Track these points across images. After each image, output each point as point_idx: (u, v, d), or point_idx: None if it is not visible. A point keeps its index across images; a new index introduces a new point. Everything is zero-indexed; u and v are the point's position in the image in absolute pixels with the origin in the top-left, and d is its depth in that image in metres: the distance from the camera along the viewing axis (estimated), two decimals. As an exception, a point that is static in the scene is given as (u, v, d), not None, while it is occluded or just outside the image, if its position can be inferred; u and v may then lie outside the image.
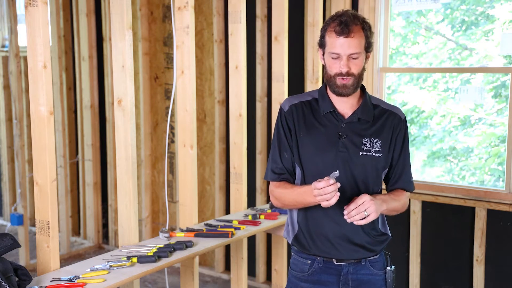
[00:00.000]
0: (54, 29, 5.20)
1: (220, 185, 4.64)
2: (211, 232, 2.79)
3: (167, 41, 4.86)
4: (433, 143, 4.12)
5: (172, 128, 4.75)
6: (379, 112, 2.11)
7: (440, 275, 3.73)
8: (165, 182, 3.28)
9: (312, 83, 3.68)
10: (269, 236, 4.31)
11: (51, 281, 2.20)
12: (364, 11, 3.82)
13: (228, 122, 4.09)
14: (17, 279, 2.08)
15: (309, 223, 2.10)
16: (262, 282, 4.44)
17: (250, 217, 3.02)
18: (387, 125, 2.09)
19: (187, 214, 2.98)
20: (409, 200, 3.74)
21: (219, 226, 2.89)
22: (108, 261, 2.38)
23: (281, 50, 3.37)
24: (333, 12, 3.90)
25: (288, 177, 2.13)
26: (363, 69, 2.05)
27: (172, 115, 4.58)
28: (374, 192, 2.08)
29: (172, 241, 2.69)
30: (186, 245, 2.58)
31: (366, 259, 2.11)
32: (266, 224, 2.99)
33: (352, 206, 1.91)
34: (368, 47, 2.03)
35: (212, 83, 4.65)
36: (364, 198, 1.91)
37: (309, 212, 2.09)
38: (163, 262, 2.43)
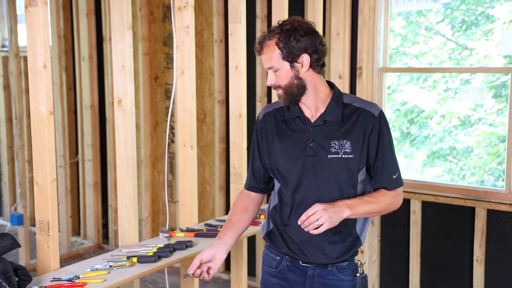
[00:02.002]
0: (54, 29, 5.20)
1: (220, 185, 4.64)
2: (211, 232, 2.79)
3: (167, 41, 4.86)
4: (433, 143, 4.12)
5: (172, 128, 4.75)
6: (349, 111, 2.06)
7: (440, 275, 3.73)
8: (165, 182, 3.28)
9: (312, 83, 3.68)
10: (269, 236, 4.31)
11: (51, 281, 2.20)
12: (364, 11, 3.82)
13: (228, 122, 4.09)
14: (17, 279, 2.08)
15: (281, 223, 2.13)
16: (262, 282, 4.44)
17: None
18: (358, 124, 2.03)
19: (187, 214, 2.98)
20: (409, 199, 3.75)
21: (219, 226, 2.89)
22: (108, 261, 2.38)
23: (281, 50, 3.36)
24: (333, 12, 3.92)
25: (254, 186, 2.24)
26: (296, 79, 2.02)
27: (172, 115, 4.58)
28: (350, 193, 2.04)
29: (172, 241, 2.69)
30: (186, 245, 2.58)
31: (333, 265, 2.10)
32: (266, 224, 2.99)
33: (303, 217, 1.91)
34: (288, 56, 1.99)
35: (212, 83, 4.65)
36: (315, 208, 1.89)
37: (282, 213, 2.12)
38: (163, 262, 2.43)
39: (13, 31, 4.70)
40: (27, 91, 5.31)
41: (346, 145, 2.02)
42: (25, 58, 5.22)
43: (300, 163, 2.05)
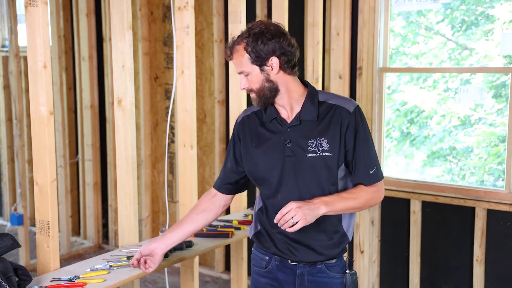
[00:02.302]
0: (54, 29, 5.20)
1: (220, 185, 4.64)
2: (211, 232, 2.78)
3: (167, 41, 4.86)
4: (433, 143, 4.12)
5: (172, 128, 4.75)
6: (325, 109, 2.07)
7: (440, 275, 3.73)
8: (165, 182, 3.28)
9: (312, 83, 3.67)
10: (269, 236, 4.31)
11: (51, 281, 2.20)
12: (364, 11, 3.82)
13: (228, 122, 4.09)
14: (17, 279, 2.08)
15: (268, 224, 2.14)
16: (262, 282, 4.44)
17: (250, 217, 3.02)
18: (333, 121, 2.04)
19: (187, 214, 2.98)
20: (409, 199, 3.75)
21: (219, 226, 2.89)
22: (108, 261, 2.38)
23: (281, 50, 3.36)
24: (333, 12, 3.92)
25: (227, 187, 2.27)
26: (267, 82, 2.03)
27: (172, 115, 4.58)
28: (331, 191, 2.06)
29: (172, 241, 2.68)
30: (186, 245, 2.58)
31: (321, 263, 2.12)
32: (266, 224, 2.99)
33: (278, 215, 1.93)
34: (257, 60, 2.01)
35: (212, 83, 4.65)
36: (289, 207, 1.91)
37: (269, 215, 2.13)
38: (163, 262, 2.43)
39: (13, 31, 4.70)
40: (27, 91, 5.31)
41: (323, 143, 2.04)
42: (25, 58, 5.22)
43: (280, 164, 2.07)
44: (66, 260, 5.02)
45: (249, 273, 3.55)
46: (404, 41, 4.12)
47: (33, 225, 5.41)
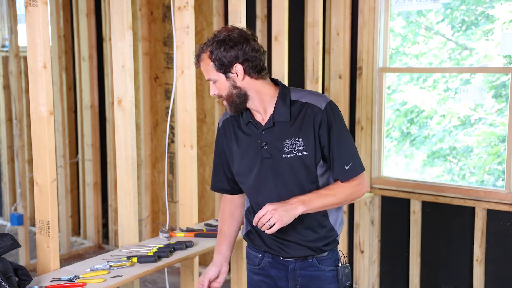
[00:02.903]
0: (54, 29, 5.20)
1: (220, 185, 4.64)
2: (211, 232, 2.78)
3: (167, 41, 4.86)
4: (433, 143, 4.12)
5: (172, 128, 4.75)
6: (297, 108, 2.07)
7: (440, 275, 3.73)
8: (165, 182, 3.28)
9: (312, 83, 3.68)
10: (269, 236, 4.31)
11: (51, 281, 2.20)
12: (364, 11, 3.82)
13: (228, 122, 4.09)
14: (17, 279, 2.08)
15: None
16: (262, 282, 4.44)
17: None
18: (306, 119, 2.05)
19: (187, 214, 2.98)
20: (409, 199, 3.74)
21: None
22: (108, 261, 2.38)
23: (281, 50, 3.37)
24: (333, 12, 3.92)
25: (223, 187, 2.28)
26: (234, 88, 2.04)
27: (172, 115, 4.58)
28: (311, 189, 2.06)
29: (172, 241, 2.69)
30: (186, 245, 2.58)
31: (312, 257, 2.14)
32: (266, 224, 2.99)
33: (255, 219, 1.97)
34: (221, 68, 2.02)
35: (212, 83, 4.65)
36: (265, 209, 1.95)
37: (255, 213, 2.13)
38: (163, 262, 2.43)
39: (13, 31, 4.70)
40: (27, 91, 5.31)
41: (298, 142, 2.05)
42: (25, 58, 5.22)
43: (258, 166, 2.10)
44: (66, 260, 5.02)
45: (249, 273, 3.56)
46: (404, 41, 4.12)
47: (33, 225, 5.41)
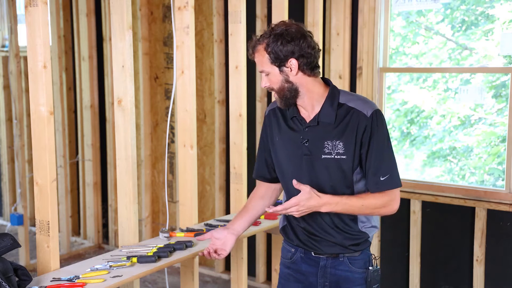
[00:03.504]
0: (54, 29, 5.20)
1: (220, 185, 4.64)
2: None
3: (167, 41, 4.86)
4: (433, 143, 4.12)
5: (172, 128, 4.75)
6: (344, 112, 2.09)
7: (440, 275, 3.73)
8: (165, 182, 3.28)
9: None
10: (269, 236, 4.31)
11: (51, 281, 2.20)
12: (364, 11, 3.82)
13: (228, 122, 4.09)
14: (17, 279, 2.08)
15: (291, 217, 2.22)
16: (262, 282, 4.44)
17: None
18: (350, 124, 2.07)
19: (187, 214, 2.98)
20: (409, 199, 3.74)
21: (219, 226, 2.89)
22: (108, 261, 2.38)
23: (281, 50, 3.36)
24: (333, 12, 3.92)
25: (264, 175, 2.34)
26: (287, 82, 2.07)
27: (172, 115, 4.58)
28: (344, 193, 2.10)
29: (172, 241, 2.69)
30: (186, 245, 2.58)
31: (344, 256, 2.17)
32: (266, 224, 2.99)
33: (280, 207, 2.04)
34: (276, 61, 2.05)
35: (212, 83, 4.65)
36: (291, 204, 2.01)
37: None
38: (163, 262, 2.43)
39: (13, 31, 4.70)
40: (27, 91, 5.31)
41: (339, 145, 2.07)
42: (25, 58, 5.22)
43: (297, 161, 2.14)
44: (66, 260, 5.02)
45: (249, 273, 3.56)
46: (404, 41, 4.12)
47: (33, 225, 5.41)
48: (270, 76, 2.09)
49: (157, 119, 5.05)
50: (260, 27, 4.29)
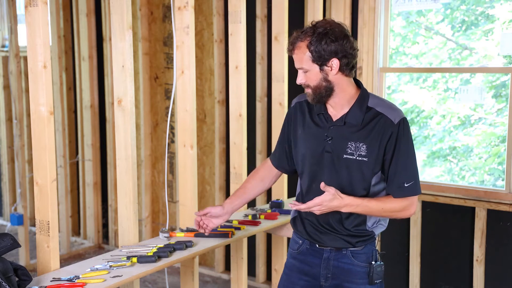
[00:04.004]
0: (54, 29, 5.20)
1: (220, 185, 4.64)
2: (211, 232, 2.78)
3: (167, 41, 4.86)
4: (433, 143, 4.12)
5: (172, 128, 4.75)
6: (371, 116, 2.12)
7: (440, 275, 3.73)
8: (165, 182, 3.28)
9: (312, 83, 3.67)
10: (269, 236, 4.31)
11: (51, 281, 2.20)
12: (364, 11, 3.82)
13: (228, 122, 4.09)
14: (17, 279, 2.08)
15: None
16: (262, 282, 4.44)
17: (250, 217, 3.02)
18: (376, 129, 2.10)
19: (187, 214, 2.98)
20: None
21: (219, 226, 2.89)
22: (108, 261, 2.38)
23: (281, 50, 3.37)
24: (333, 12, 3.92)
25: (283, 166, 2.41)
26: (325, 81, 2.09)
27: (172, 115, 4.58)
28: (361, 194, 2.14)
29: (172, 241, 2.68)
30: (186, 245, 2.58)
31: (347, 249, 2.21)
32: (266, 224, 2.99)
33: (304, 206, 2.09)
34: (318, 60, 2.06)
35: (212, 83, 4.65)
36: (315, 203, 2.07)
37: (304, 200, 2.23)
38: (163, 262, 2.43)
39: (13, 31, 4.69)
40: (27, 91, 5.31)
41: (362, 148, 2.10)
42: (25, 58, 5.22)
43: (318, 157, 2.17)
44: (66, 260, 5.02)
45: (249, 273, 3.56)
46: (404, 41, 4.12)
47: (33, 225, 5.41)
48: (308, 74, 2.10)
49: (157, 119, 5.05)
50: (260, 27, 4.29)
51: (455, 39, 3.92)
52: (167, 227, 2.89)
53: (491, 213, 3.50)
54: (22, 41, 4.78)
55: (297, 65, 2.12)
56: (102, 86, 5.29)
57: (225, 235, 2.74)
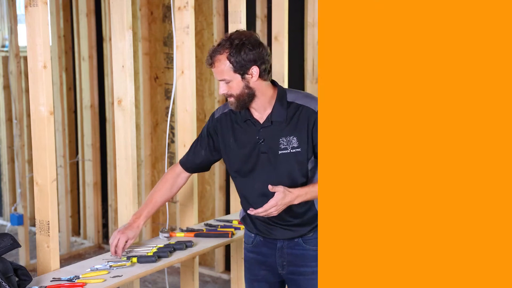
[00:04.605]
0: (54, 29, 5.20)
1: (220, 185, 4.64)
2: (211, 232, 2.79)
3: (167, 41, 4.86)
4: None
5: (172, 128, 4.75)
6: (293, 109, 2.26)
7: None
8: (165, 182, 3.27)
9: (312, 83, 3.68)
10: (269, 236, 4.31)
11: (51, 281, 2.20)
12: (364, 11, 3.82)
13: (228, 122, 4.09)
14: (17, 279, 2.08)
15: (247, 209, 2.34)
16: (262, 282, 4.44)
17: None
18: (301, 120, 2.24)
19: (187, 214, 2.98)
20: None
21: (219, 226, 2.89)
22: (108, 261, 2.38)
23: (281, 50, 3.37)
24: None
25: (192, 167, 2.51)
26: (247, 88, 2.20)
27: (172, 115, 4.59)
28: (301, 182, 2.27)
29: (172, 241, 2.69)
30: (186, 245, 2.58)
31: (298, 238, 2.35)
32: (266, 224, 2.99)
33: (261, 210, 2.17)
34: (239, 69, 2.17)
35: (212, 83, 4.65)
36: (270, 205, 2.16)
37: (250, 201, 2.34)
38: (163, 262, 2.43)
39: (13, 31, 4.70)
40: (27, 91, 5.31)
41: (293, 140, 2.25)
42: (25, 58, 5.19)
43: (254, 160, 2.30)
44: (66, 260, 5.02)
45: (249, 273, 3.55)
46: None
47: (33, 225, 5.40)
48: (230, 84, 2.21)
49: (157, 119, 5.05)
50: (260, 27, 4.29)
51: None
52: (167, 227, 2.89)
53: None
54: (22, 41, 4.78)
55: (218, 77, 2.22)
56: (102, 86, 5.29)
57: (225, 235, 2.74)
